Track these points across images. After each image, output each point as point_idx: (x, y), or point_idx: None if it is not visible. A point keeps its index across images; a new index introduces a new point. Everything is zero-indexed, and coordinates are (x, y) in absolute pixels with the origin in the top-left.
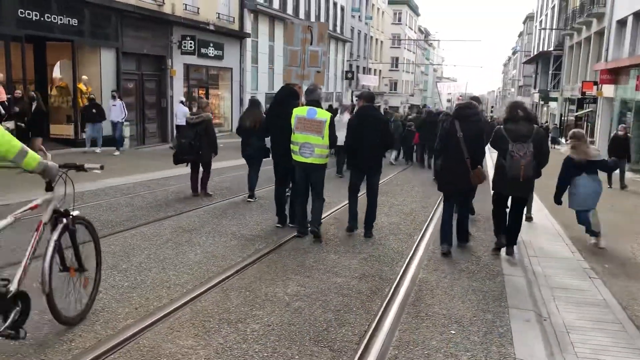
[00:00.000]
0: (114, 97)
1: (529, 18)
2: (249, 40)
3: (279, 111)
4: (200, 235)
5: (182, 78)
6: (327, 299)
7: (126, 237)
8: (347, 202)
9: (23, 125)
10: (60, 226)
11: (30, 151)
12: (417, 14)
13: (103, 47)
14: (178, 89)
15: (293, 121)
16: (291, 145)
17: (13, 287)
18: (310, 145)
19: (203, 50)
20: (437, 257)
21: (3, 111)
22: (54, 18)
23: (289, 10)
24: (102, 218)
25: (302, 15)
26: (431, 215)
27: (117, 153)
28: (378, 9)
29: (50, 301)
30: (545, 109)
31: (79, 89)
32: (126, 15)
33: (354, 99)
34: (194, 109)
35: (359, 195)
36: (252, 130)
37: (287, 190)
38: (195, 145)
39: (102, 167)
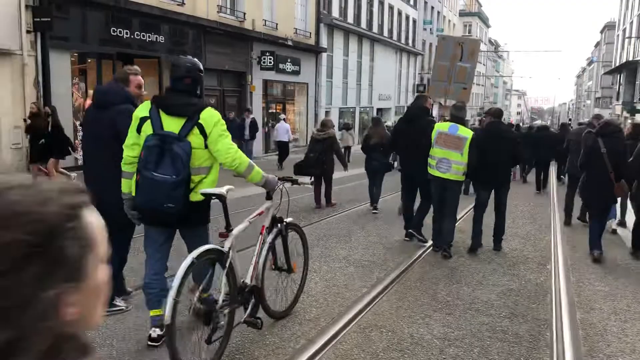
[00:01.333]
0: (247, 112)
1: (608, 27)
2: (324, 55)
3: (409, 126)
4: (313, 260)
5: (261, 94)
6: (484, 345)
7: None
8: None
9: (43, 141)
10: (275, 231)
11: (256, 166)
12: (488, 26)
13: None
14: (257, 105)
15: (433, 135)
16: (429, 159)
17: (247, 282)
18: (447, 161)
19: (281, 66)
20: (587, 293)
21: None
22: (143, 35)
23: (363, 24)
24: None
25: (375, 29)
26: (553, 240)
27: None
28: (449, 21)
29: (261, 295)
30: (628, 122)
31: None
32: (209, 31)
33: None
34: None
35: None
36: (376, 146)
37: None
38: (321, 160)
39: (312, 183)
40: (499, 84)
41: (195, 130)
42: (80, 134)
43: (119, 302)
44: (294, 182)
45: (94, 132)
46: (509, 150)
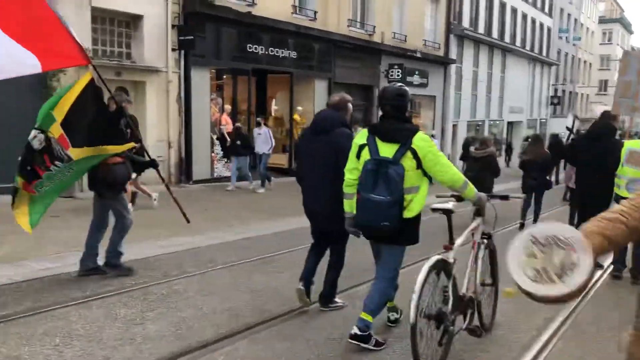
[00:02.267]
0: (258, 125)
1: None
2: (453, 67)
3: (594, 144)
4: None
5: None
6: None
7: None
8: None
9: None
10: (482, 246)
11: (470, 184)
12: (630, 32)
13: (317, 78)
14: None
15: (623, 153)
16: (616, 179)
17: (465, 292)
18: None
19: (409, 78)
20: None
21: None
22: (277, 52)
23: (494, 34)
24: None
25: (507, 38)
26: None
27: (260, 190)
28: (587, 28)
29: (480, 309)
30: None
31: (294, 119)
32: (339, 46)
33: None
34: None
35: None
36: (535, 164)
37: None
38: (479, 178)
39: (507, 197)
40: None
41: (408, 154)
42: (216, 147)
43: (339, 300)
44: (504, 197)
45: (312, 154)
46: None
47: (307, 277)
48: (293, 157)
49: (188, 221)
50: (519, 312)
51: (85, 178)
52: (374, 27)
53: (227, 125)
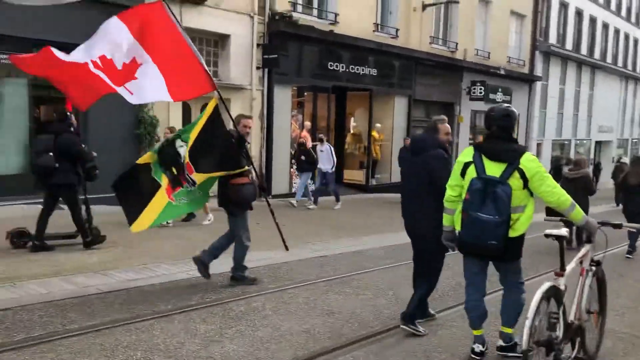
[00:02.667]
0: (321, 141)
1: None
2: (538, 84)
3: None
4: None
5: (469, 125)
6: None
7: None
8: None
9: None
10: (590, 273)
11: (577, 206)
12: None
13: (397, 95)
14: (464, 136)
15: None
16: None
17: (572, 320)
18: None
19: (491, 96)
20: None
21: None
22: (357, 69)
23: (583, 50)
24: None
25: (597, 55)
26: None
27: (337, 207)
28: None
29: (582, 334)
30: None
31: (372, 136)
32: (420, 63)
33: None
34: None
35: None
36: (636, 187)
37: None
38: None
39: (620, 226)
40: None
41: (516, 174)
42: (294, 163)
43: (420, 328)
44: (617, 226)
45: (411, 174)
46: None
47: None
48: (370, 173)
49: (287, 249)
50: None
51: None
52: (457, 43)
53: (307, 142)
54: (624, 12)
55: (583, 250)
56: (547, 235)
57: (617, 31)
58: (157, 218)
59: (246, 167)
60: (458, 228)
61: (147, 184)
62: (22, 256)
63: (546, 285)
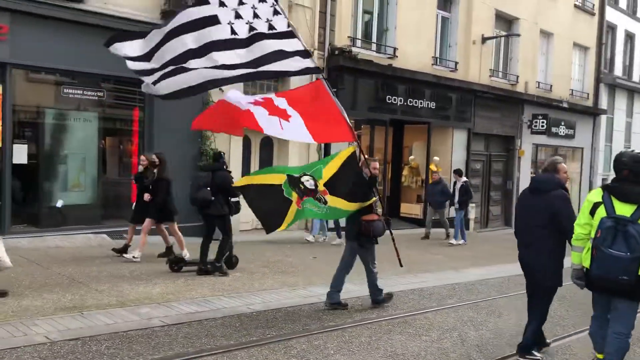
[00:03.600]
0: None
1: None
2: (603, 117)
3: None
4: None
5: (530, 159)
6: None
7: None
8: None
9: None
10: None
11: None
12: None
13: (456, 128)
14: (525, 171)
15: None
16: None
17: None
18: None
19: (554, 129)
20: None
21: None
22: (415, 102)
23: None
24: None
25: None
26: None
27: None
28: None
29: None
30: None
31: (430, 169)
32: (480, 95)
33: None
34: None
35: None
36: None
37: None
38: None
39: None
40: None
41: None
42: None
43: (537, 353)
44: None
45: (530, 212)
46: None
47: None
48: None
49: (401, 265)
50: None
51: None
52: (517, 76)
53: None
54: None
55: None
56: None
57: None
58: (289, 223)
59: (374, 199)
60: (586, 265)
61: (280, 200)
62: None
63: None
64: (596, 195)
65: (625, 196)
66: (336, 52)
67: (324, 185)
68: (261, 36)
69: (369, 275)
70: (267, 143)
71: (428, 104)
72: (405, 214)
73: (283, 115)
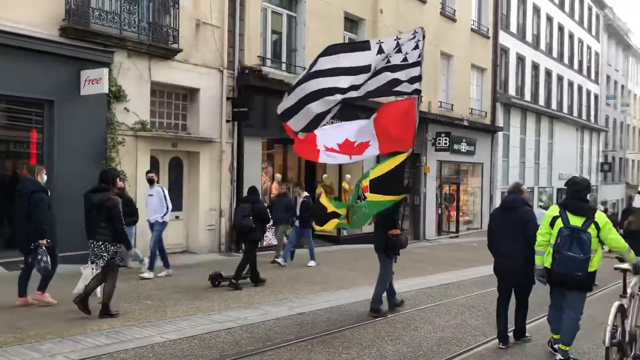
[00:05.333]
0: (151, 182)
1: None
2: (500, 134)
3: None
4: None
5: (435, 175)
6: None
7: None
8: None
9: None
10: (638, 297)
11: (632, 251)
12: None
13: None
14: (430, 186)
15: None
16: None
17: (629, 328)
18: None
19: (456, 146)
20: None
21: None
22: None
23: (541, 101)
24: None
25: (554, 105)
26: None
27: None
28: (635, 94)
29: (637, 340)
30: None
31: (342, 187)
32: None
33: None
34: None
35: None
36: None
37: None
38: None
39: None
40: None
41: (592, 225)
42: None
43: (528, 334)
44: None
45: (505, 227)
46: None
47: (504, 333)
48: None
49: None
50: None
51: None
52: (421, 96)
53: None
54: (576, 66)
55: (635, 279)
56: (616, 268)
57: (570, 84)
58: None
59: (404, 195)
60: (547, 265)
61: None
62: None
63: (617, 303)
64: (554, 210)
65: (577, 211)
66: (246, 72)
67: (369, 182)
68: (388, 69)
69: (380, 286)
70: (176, 164)
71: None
72: (320, 231)
73: (359, 150)
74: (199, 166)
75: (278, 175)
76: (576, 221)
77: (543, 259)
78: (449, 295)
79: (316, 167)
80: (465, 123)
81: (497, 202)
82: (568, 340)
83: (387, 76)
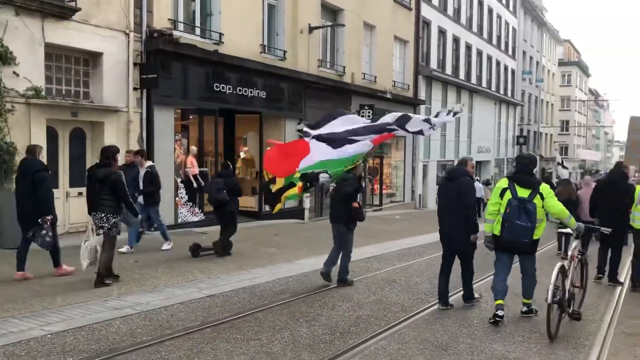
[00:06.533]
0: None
1: None
2: (422, 107)
3: (611, 189)
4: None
5: None
6: None
7: None
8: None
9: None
10: (577, 259)
11: (572, 217)
12: (587, 75)
13: (287, 118)
14: None
15: (636, 196)
16: (632, 215)
17: (569, 288)
18: None
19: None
20: None
21: (197, 184)
22: (246, 91)
23: (461, 75)
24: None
25: (473, 79)
26: None
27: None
28: (548, 70)
29: (575, 299)
30: None
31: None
32: (309, 86)
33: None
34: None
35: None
36: (566, 203)
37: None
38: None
39: (599, 229)
40: (600, 135)
41: (537, 196)
42: (180, 191)
43: (476, 295)
44: (596, 229)
45: (448, 195)
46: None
47: (444, 295)
48: (263, 200)
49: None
50: None
51: None
52: (344, 67)
53: (193, 168)
54: (494, 41)
55: (574, 244)
56: (559, 233)
57: (489, 58)
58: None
59: (359, 163)
60: (497, 233)
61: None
62: None
63: (559, 264)
64: (503, 182)
65: (525, 183)
66: (155, 35)
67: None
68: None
69: (344, 258)
70: (79, 135)
71: (259, 93)
72: (241, 207)
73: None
74: (104, 138)
75: (193, 148)
76: (523, 193)
77: (492, 227)
78: (370, 269)
79: (235, 140)
80: (388, 96)
81: (420, 176)
82: (529, 294)
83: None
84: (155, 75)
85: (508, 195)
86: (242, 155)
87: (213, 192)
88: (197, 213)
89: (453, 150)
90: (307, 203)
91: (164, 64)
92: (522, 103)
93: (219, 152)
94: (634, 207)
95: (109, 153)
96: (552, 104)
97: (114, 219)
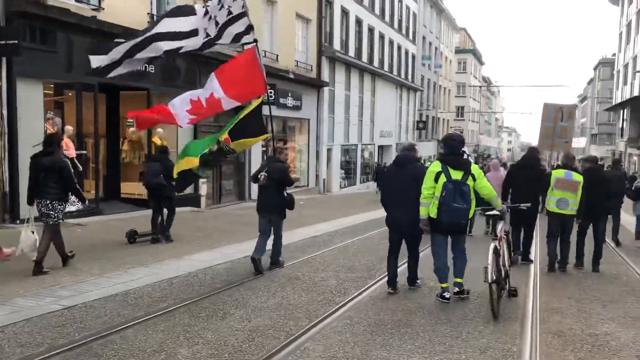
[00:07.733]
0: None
1: (603, 64)
2: (326, 90)
3: (524, 172)
4: None
5: None
6: None
7: None
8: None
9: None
10: (505, 239)
11: (499, 198)
12: (482, 63)
13: (176, 95)
14: (257, 143)
15: (552, 181)
16: (548, 199)
17: (503, 266)
18: (566, 200)
19: (282, 100)
20: None
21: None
22: None
23: (364, 57)
24: None
25: (376, 63)
26: None
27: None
28: (446, 57)
29: (509, 276)
30: (635, 158)
31: (153, 142)
32: (203, 62)
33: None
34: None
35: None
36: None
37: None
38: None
39: (519, 206)
40: (492, 121)
41: (470, 178)
42: None
43: (418, 281)
44: (517, 206)
45: (398, 181)
46: (607, 190)
47: (393, 279)
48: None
49: None
50: None
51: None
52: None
53: (69, 150)
54: (396, 25)
55: (501, 224)
56: (487, 215)
57: (391, 42)
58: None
59: (267, 135)
60: (433, 215)
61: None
62: None
63: (492, 245)
64: (436, 166)
65: (457, 165)
66: None
67: (228, 134)
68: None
69: (277, 241)
70: None
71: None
72: (127, 194)
73: (210, 110)
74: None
75: (69, 128)
76: (456, 175)
77: (428, 209)
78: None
79: (120, 120)
80: (291, 76)
81: (324, 160)
82: (461, 272)
83: (226, 32)
84: (16, 41)
85: (443, 178)
86: (128, 136)
87: (149, 177)
88: (75, 202)
89: (357, 134)
90: (203, 189)
91: (31, 29)
92: (422, 88)
93: (100, 133)
94: (549, 191)
95: (53, 141)
96: (449, 90)
97: (59, 206)
